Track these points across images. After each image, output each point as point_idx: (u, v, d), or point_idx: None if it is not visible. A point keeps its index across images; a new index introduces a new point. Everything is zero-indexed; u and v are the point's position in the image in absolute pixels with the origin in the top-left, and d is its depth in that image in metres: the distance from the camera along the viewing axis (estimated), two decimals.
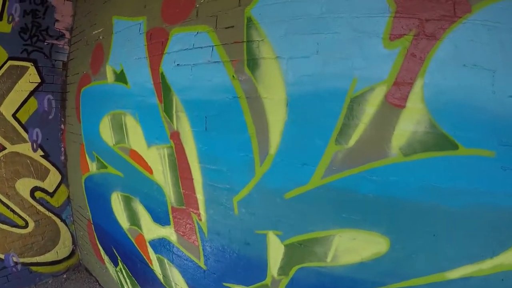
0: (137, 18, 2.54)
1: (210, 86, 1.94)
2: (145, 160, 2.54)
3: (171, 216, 2.40)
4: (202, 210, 2.12)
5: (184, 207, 2.27)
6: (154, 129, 2.39)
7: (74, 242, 4.10)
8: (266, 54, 1.65)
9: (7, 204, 3.55)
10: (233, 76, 1.80)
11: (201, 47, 1.97)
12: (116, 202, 3.02)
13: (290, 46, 1.57)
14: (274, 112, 1.64)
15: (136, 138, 2.61)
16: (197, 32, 2.00)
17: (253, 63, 1.71)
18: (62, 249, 4.04)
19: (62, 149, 3.81)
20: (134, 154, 2.65)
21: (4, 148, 3.45)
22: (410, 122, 1.32)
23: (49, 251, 3.94)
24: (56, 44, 3.55)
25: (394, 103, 1.34)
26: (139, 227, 2.78)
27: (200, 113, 2.01)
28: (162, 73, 2.26)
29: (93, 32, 3.12)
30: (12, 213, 3.60)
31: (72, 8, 3.55)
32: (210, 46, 1.92)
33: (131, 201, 2.81)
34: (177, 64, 2.13)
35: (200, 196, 2.12)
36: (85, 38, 3.26)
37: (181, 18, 2.12)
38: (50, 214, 3.86)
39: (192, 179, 2.14)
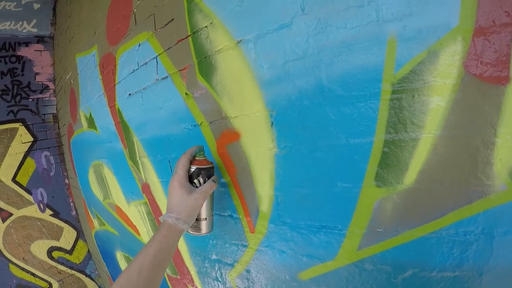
0: (91, 50, 1.79)
1: (163, 116, 1.13)
2: (130, 219, 1.76)
3: (169, 285, 1.60)
4: (198, 284, 1.30)
5: (178, 276, 1.46)
6: (128, 181, 1.61)
7: None
8: (220, 43, 0.82)
9: (26, 269, 2.92)
10: (186, 93, 0.98)
11: (146, 63, 1.17)
12: (122, 262, 2.26)
13: (254, 17, 0.73)
14: (255, 142, 0.81)
15: (116, 192, 1.84)
16: (139, 45, 1.21)
17: (206, 64, 0.87)
18: None
19: (72, 204, 3.12)
20: (120, 212, 1.88)
21: (11, 215, 2.81)
22: None
23: None
24: (42, 98, 2.88)
25: (486, 76, 0.47)
26: None
27: (163, 156, 1.20)
28: (118, 110, 1.48)
29: (67, 77, 2.42)
30: (33, 276, 2.96)
31: (51, 56, 2.87)
32: (153, 58, 1.12)
33: None
34: (129, 94, 1.34)
35: (190, 266, 1.30)
36: (63, 86, 2.57)
37: (123, 33, 1.34)
38: (73, 272, 3.17)
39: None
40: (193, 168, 0.81)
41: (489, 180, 0.50)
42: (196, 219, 0.84)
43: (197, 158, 0.83)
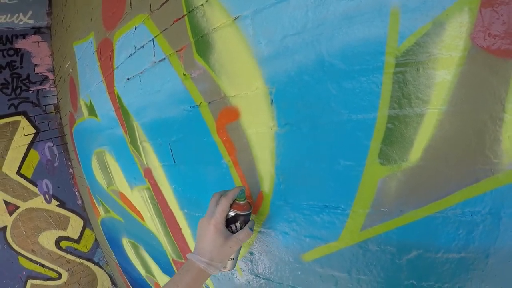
0: (88, 37, 1.76)
1: (162, 98, 1.10)
2: (133, 205, 1.77)
3: (175, 270, 1.61)
4: None
5: (183, 261, 1.47)
6: (130, 167, 1.60)
7: (113, 282, 3.44)
8: (217, 21, 0.78)
9: (35, 260, 2.97)
10: (184, 74, 0.96)
11: (143, 46, 1.14)
12: (128, 248, 2.28)
13: None
14: (254, 120, 0.78)
15: (119, 179, 1.83)
16: (135, 28, 1.18)
17: (203, 43, 0.85)
18: None
19: (77, 193, 3.14)
20: (124, 198, 1.88)
21: (18, 207, 2.84)
22: None
23: None
24: (42, 89, 2.86)
25: (494, 49, 0.44)
26: (154, 276, 2.02)
27: (163, 140, 1.18)
28: (118, 95, 1.46)
29: (66, 67, 2.39)
30: (42, 267, 3.01)
31: (49, 47, 2.84)
32: (150, 40, 1.09)
33: (138, 249, 2.06)
34: (127, 79, 1.32)
35: (193, 249, 1.30)
36: (63, 75, 2.54)
37: (118, 17, 1.30)
38: (82, 260, 3.22)
39: (180, 228, 1.32)
40: (232, 213, 0.76)
41: (497, 158, 0.48)
42: None
43: (237, 202, 0.77)
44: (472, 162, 0.50)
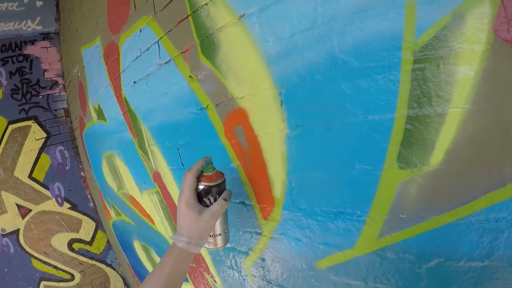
0: (94, 41, 1.75)
1: (168, 101, 1.08)
2: (144, 208, 1.75)
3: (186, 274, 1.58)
4: (213, 272, 1.27)
5: (194, 265, 1.44)
6: (139, 171, 1.59)
7: (126, 283, 3.45)
8: (222, 20, 0.75)
9: (48, 262, 3.00)
10: (190, 76, 0.92)
11: (148, 49, 1.12)
12: (139, 251, 2.27)
13: None
14: (264, 123, 0.75)
15: (129, 182, 1.82)
16: (140, 30, 1.15)
17: (208, 44, 0.81)
18: None
19: (89, 196, 3.15)
20: (134, 201, 1.87)
21: (30, 211, 2.87)
22: None
23: None
24: (52, 94, 2.88)
25: None
26: None
27: (171, 143, 1.16)
28: (125, 99, 1.44)
29: (74, 71, 2.39)
30: (55, 269, 3.05)
31: (58, 52, 2.85)
32: (155, 42, 1.06)
33: (149, 252, 2.05)
34: (134, 82, 1.30)
35: (205, 255, 1.28)
36: (72, 80, 2.55)
37: (123, 20, 1.28)
38: (94, 262, 3.24)
39: None
40: (201, 186, 0.73)
41: None
42: (210, 235, 0.79)
43: (205, 174, 0.74)
44: (498, 165, 0.45)
